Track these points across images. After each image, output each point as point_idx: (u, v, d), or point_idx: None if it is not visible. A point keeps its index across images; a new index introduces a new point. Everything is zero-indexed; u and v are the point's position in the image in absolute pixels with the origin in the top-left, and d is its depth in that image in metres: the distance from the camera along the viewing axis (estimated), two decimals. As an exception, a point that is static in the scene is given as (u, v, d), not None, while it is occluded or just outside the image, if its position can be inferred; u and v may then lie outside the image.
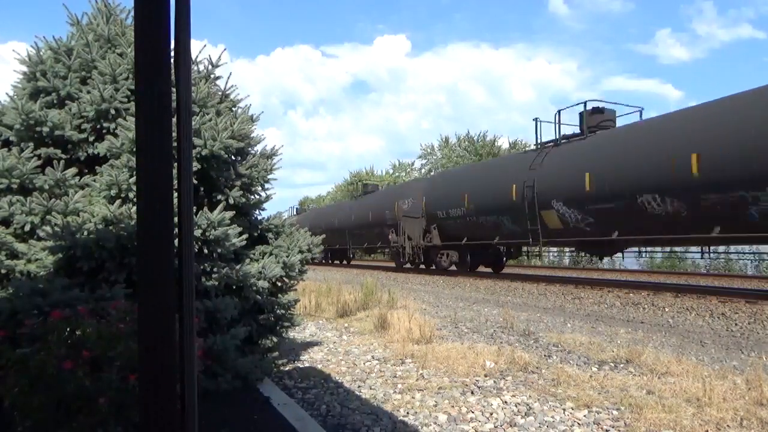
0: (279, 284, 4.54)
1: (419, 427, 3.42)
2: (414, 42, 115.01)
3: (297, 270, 4.65)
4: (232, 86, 4.82)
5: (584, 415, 3.56)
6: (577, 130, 14.03)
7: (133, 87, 4.05)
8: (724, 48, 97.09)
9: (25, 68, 4.40)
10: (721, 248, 15.45)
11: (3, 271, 3.62)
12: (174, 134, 1.43)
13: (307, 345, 6.23)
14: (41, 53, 4.42)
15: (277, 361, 4.92)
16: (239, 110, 4.80)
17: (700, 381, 4.07)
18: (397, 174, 47.67)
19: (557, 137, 14.26)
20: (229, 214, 4.01)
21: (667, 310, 8.67)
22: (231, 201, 4.21)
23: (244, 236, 4.21)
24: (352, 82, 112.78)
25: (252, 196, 4.59)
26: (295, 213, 38.53)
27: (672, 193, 10.29)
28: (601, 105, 13.78)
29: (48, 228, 3.54)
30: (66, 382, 2.31)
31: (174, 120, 1.44)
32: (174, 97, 1.45)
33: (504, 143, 40.12)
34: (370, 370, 4.98)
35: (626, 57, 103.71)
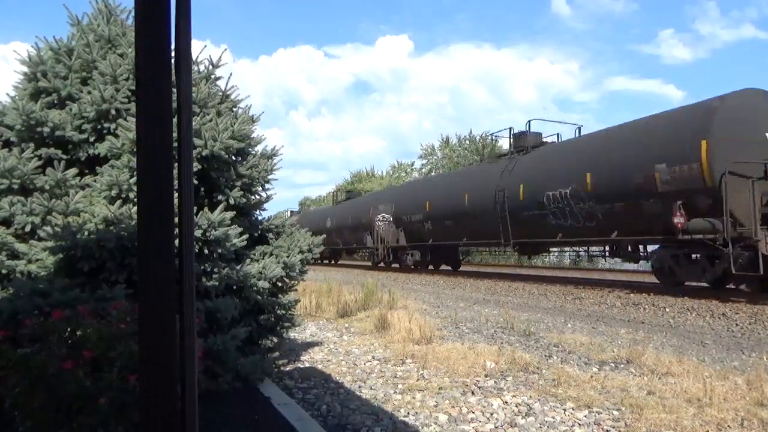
0: (279, 284, 4.54)
1: (420, 427, 3.42)
2: (416, 42, 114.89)
3: (297, 270, 4.65)
4: (232, 86, 4.82)
5: (585, 416, 3.56)
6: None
7: (133, 87, 4.05)
8: (727, 48, 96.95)
9: (25, 69, 4.40)
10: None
11: (4, 272, 3.63)
12: (174, 135, 1.43)
13: (308, 345, 6.23)
14: (42, 54, 4.42)
15: (277, 362, 4.91)
16: (240, 110, 4.80)
17: (701, 381, 4.06)
18: (396, 174, 47.64)
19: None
20: (230, 214, 4.01)
21: (667, 310, 8.67)
22: (231, 201, 4.21)
23: (245, 236, 4.21)
24: (354, 83, 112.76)
25: (252, 197, 4.59)
26: (289, 215, 38.91)
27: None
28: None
29: (48, 228, 3.54)
30: (66, 382, 2.31)
31: (174, 120, 1.44)
32: (174, 97, 1.45)
33: (505, 143, 40.13)
34: (370, 370, 4.98)
35: (628, 57, 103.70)
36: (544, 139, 16.05)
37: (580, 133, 15.19)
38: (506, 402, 3.88)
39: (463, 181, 17.97)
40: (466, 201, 16.67)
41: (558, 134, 16.37)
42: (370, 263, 26.44)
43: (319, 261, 31.90)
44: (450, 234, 18.17)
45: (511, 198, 14.53)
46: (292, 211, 42.21)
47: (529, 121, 16.05)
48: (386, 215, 22.17)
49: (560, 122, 54.57)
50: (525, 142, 15.72)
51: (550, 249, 18.07)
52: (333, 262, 32.70)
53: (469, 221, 16.66)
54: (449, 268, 21.25)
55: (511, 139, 16.56)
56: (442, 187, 19.37)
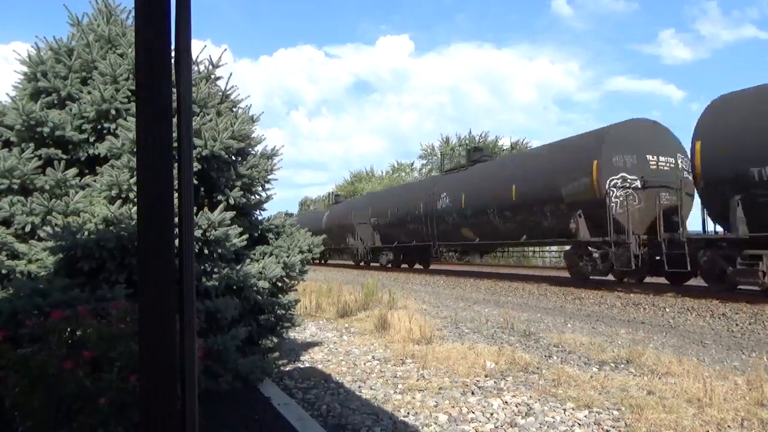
0: (279, 284, 4.54)
1: (420, 427, 3.42)
2: (417, 42, 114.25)
3: (297, 270, 4.65)
4: (232, 86, 4.82)
5: (585, 416, 3.56)
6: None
7: (133, 87, 4.05)
8: (727, 48, 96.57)
9: (25, 69, 4.40)
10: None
11: (4, 272, 3.63)
12: (174, 134, 1.43)
13: (308, 345, 6.23)
14: (42, 54, 4.42)
15: (277, 362, 4.92)
16: (240, 110, 4.80)
17: (701, 381, 4.06)
18: (396, 174, 47.64)
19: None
20: (230, 214, 4.01)
21: (667, 310, 8.67)
22: (231, 201, 4.21)
23: (245, 236, 4.21)
24: (355, 83, 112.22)
25: (252, 197, 4.59)
26: (333, 202, 33.07)
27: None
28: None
29: (48, 228, 3.54)
30: (66, 382, 2.32)
31: (174, 120, 1.44)
32: (174, 97, 1.45)
33: (506, 143, 40.19)
34: (370, 370, 4.98)
35: (629, 57, 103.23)
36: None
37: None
38: (506, 402, 3.87)
39: None
40: None
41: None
42: (571, 272, 13.41)
43: (398, 265, 23.08)
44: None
45: None
46: (335, 196, 34.15)
47: None
48: (632, 178, 11.34)
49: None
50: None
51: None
52: (422, 267, 22.72)
53: None
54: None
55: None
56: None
